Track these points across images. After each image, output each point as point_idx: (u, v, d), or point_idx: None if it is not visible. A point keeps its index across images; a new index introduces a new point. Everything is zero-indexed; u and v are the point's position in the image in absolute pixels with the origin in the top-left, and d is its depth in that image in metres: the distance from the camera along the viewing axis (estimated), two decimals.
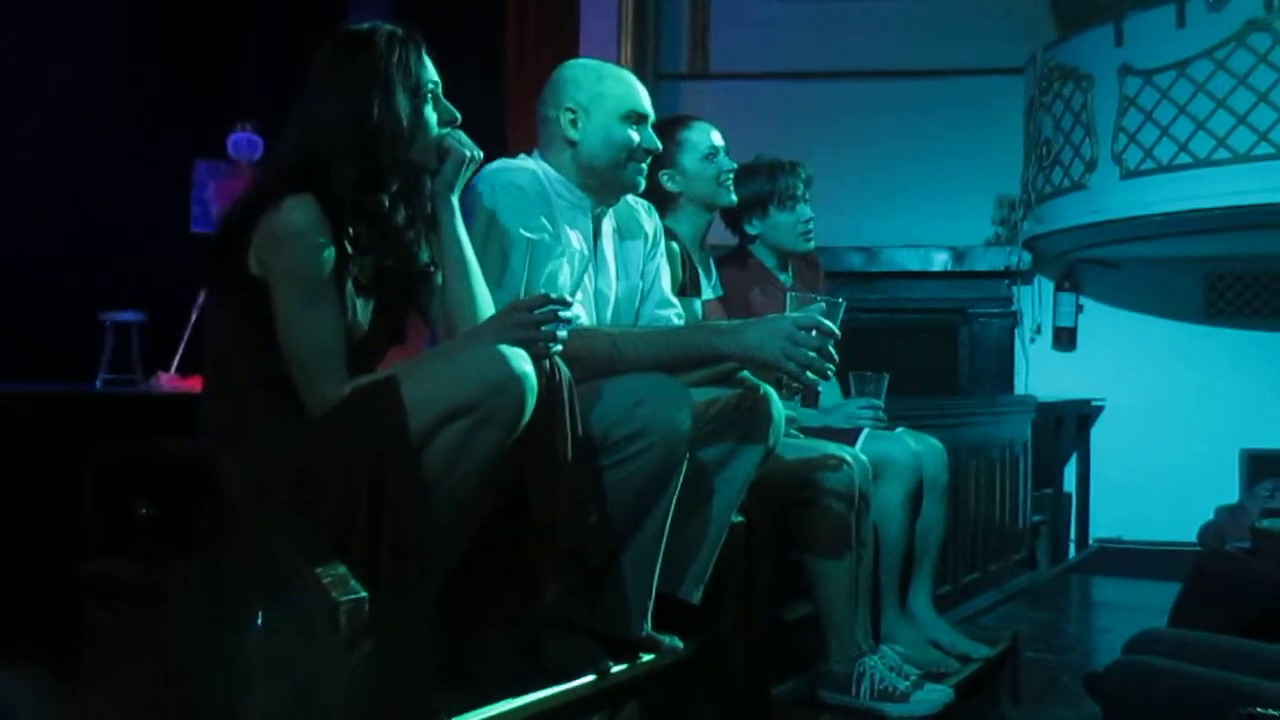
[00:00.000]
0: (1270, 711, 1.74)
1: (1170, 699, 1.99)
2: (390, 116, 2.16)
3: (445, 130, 2.27)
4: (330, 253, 2.10)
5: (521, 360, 2.07)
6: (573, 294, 2.31)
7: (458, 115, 2.28)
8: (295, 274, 2.08)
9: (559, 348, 2.19)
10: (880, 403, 3.37)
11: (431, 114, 2.24)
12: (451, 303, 2.29)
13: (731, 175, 3.27)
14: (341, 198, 2.12)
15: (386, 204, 2.22)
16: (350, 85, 2.16)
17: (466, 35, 6.85)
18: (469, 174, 2.32)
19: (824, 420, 3.39)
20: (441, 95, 2.28)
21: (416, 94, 2.20)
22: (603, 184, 2.67)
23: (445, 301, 2.30)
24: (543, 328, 2.15)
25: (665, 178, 3.21)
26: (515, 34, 7.24)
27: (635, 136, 2.65)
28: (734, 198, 3.31)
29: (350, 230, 2.14)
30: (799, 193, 3.54)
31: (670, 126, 3.26)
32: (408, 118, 2.18)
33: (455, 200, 2.30)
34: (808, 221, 3.55)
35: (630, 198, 2.83)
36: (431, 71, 2.25)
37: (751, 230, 3.56)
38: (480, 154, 2.32)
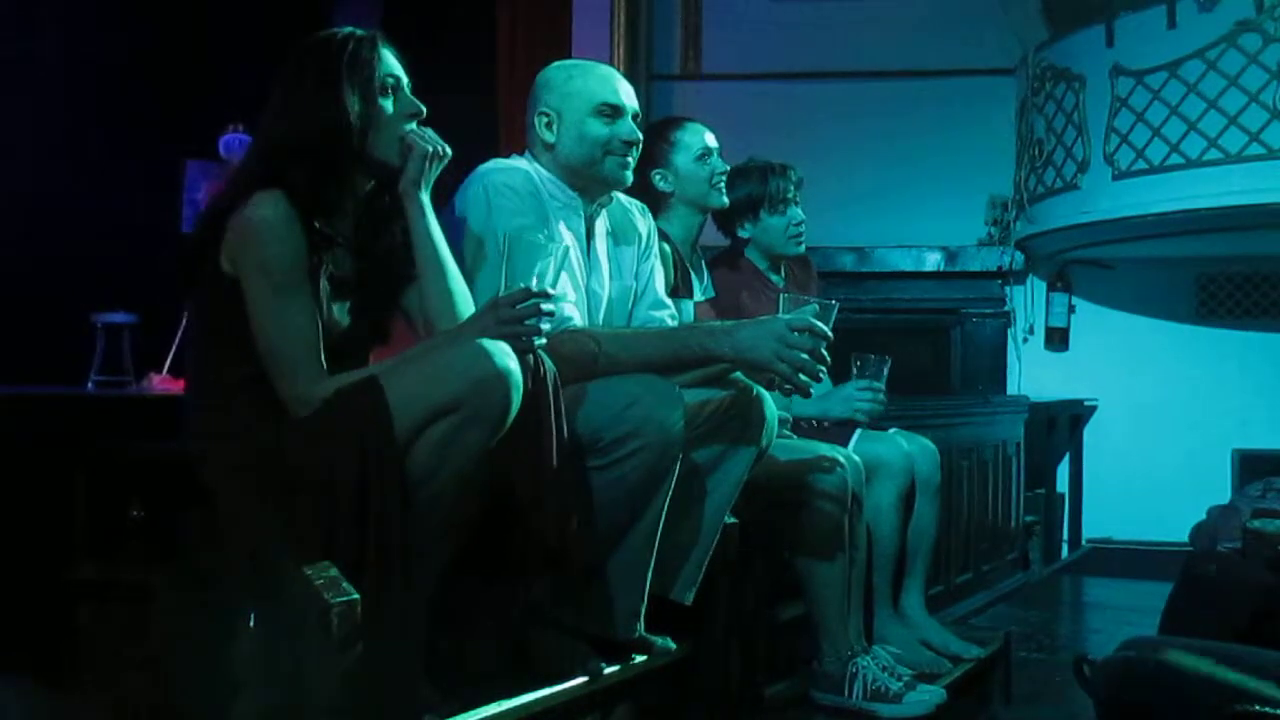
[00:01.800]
0: (1269, 710, 1.74)
1: (1163, 692, 1.99)
2: (338, 113, 2.17)
3: (410, 127, 2.27)
4: (300, 246, 2.11)
5: (506, 356, 2.06)
6: (566, 296, 2.31)
7: (422, 109, 2.28)
8: (265, 267, 2.09)
9: (543, 341, 2.18)
10: (881, 385, 3.25)
11: (389, 108, 2.24)
12: (429, 302, 2.29)
13: (724, 178, 3.26)
14: (308, 195, 2.13)
15: (351, 202, 2.23)
16: (304, 86, 2.19)
17: (458, 38, 6.85)
18: (437, 171, 2.31)
19: (822, 406, 3.34)
20: (405, 90, 2.28)
21: (368, 88, 2.21)
22: (587, 182, 2.67)
23: (423, 301, 2.30)
24: (526, 321, 2.14)
25: (657, 177, 3.21)
26: (506, 36, 7.23)
27: (608, 130, 2.64)
28: (725, 200, 3.30)
29: (319, 226, 2.14)
30: (790, 195, 3.54)
31: (664, 126, 3.27)
32: (357, 112, 2.19)
33: (424, 198, 2.28)
34: (799, 225, 3.55)
35: (624, 199, 2.83)
36: (390, 65, 2.26)
37: (743, 234, 3.56)
38: (448, 150, 2.30)
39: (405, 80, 2.28)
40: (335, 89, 2.18)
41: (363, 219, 2.28)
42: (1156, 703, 2.01)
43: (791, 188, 3.53)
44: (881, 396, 3.26)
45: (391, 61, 2.26)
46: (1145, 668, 2.06)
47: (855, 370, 3.28)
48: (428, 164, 2.27)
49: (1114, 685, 2.10)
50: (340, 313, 2.22)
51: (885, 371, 3.25)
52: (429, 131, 2.29)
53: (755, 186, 3.51)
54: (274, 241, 2.08)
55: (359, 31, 2.25)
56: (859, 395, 3.22)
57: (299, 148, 2.15)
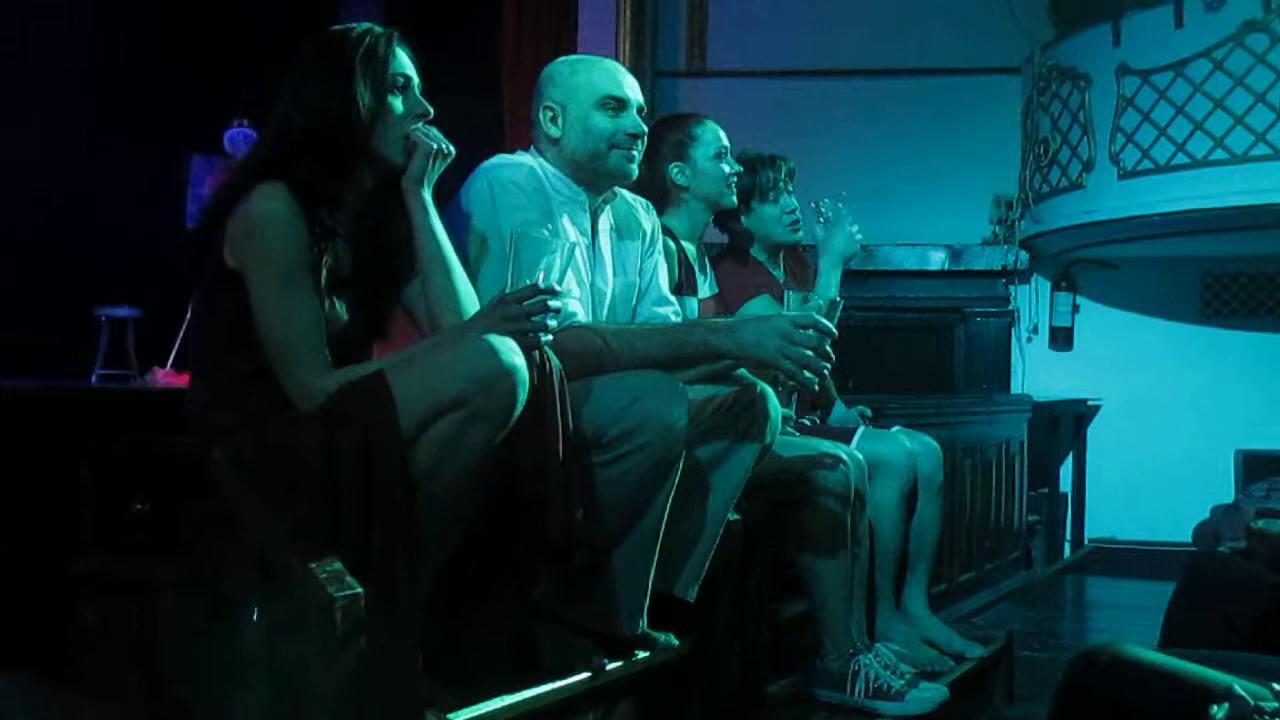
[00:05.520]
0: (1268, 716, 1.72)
1: (1120, 682, 1.97)
2: (349, 105, 2.18)
3: (415, 125, 2.27)
4: (303, 239, 2.11)
5: (512, 352, 2.06)
6: (571, 291, 2.31)
7: (430, 110, 2.29)
8: (268, 259, 2.09)
9: (549, 338, 2.18)
10: (846, 220, 3.45)
11: (399, 105, 2.25)
12: (433, 298, 2.29)
13: (735, 179, 3.27)
14: (311, 187, 2.13)
15: (352, 197, 2.23)
16: (316, 78, 2.20)
17: (463, 36, 6.86)
18: (440, 169, 2.31)
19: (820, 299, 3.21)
20: (415, 90, 2.29)
21: (380, 84, 2.22)
22: (592, 176, 2.67)
23: (427, 297, 2.30)
24: (532, 318, 2.14)
25: (675, 170, 3.21)
26: (512, 34, 7.23)
27: (613, 123, 2.64)
28: (735, 200, 3.32)
29: (322, 219, 2.15)
30: (780, 184, 3.54)
31: (684, 121, 3.27)
32: (367, 107, 2.19)
33: (426, 194, 2.29)
34: (792, 212, 3.56)
35: (629, 196, 2.82)
36: (403, 65, 2.26)
37: (738, 226, 3.56)
38: (451, 149, 2.31)
39: (416, 80, 2.29)
40: (347, 83, 2.18)
41: (364, 214, 2.28)
42: (1113, 693, 1.99)
43: (781, 177, 3.54)
44: (852, 229, 3.48)
45: (405, 60, 2.27)
46: (1103, 658, 2.04)
47: (820, 221, 3.49)
48: (431, 161, 2.28)
49: (1073, 676, 2.08)
50: (340, 307, 2.22)
51: (840, 206, 3.47)
52: (433, 130, 2.30)
53: (745, 179, 3.50)
54: (277, 234, 2.08)
55: (376, 28, 2.26)
56: (850, 240, 3.49)
57: (306, 139, 2.16)
